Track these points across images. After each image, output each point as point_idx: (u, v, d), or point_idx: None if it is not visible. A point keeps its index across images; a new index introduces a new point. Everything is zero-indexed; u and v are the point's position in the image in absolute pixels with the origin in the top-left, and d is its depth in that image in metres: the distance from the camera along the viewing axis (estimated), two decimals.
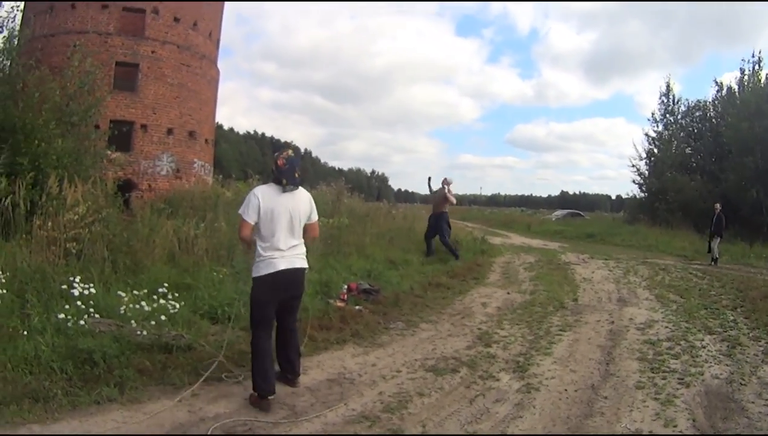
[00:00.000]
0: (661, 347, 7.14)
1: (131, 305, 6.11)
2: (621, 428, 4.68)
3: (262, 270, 4.95)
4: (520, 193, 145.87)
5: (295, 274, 5.09)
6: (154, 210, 10.71)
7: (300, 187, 5.21)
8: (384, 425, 4.57)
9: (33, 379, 4.65)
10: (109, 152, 11.80)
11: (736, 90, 31.68)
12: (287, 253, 5.03)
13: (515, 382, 5.73)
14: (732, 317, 9.05)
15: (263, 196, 4.99)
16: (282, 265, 4.98)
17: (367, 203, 21.45)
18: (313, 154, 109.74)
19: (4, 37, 10.47)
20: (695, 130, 34.77)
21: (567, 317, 8.78)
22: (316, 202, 5.36)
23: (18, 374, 4.68)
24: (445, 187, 14.77)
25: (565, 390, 5.55)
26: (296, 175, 5.04)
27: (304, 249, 5.23)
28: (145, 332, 5.67)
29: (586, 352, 6.90)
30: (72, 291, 6.11)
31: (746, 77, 31.07)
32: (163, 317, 6.00)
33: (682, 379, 5.92)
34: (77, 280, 6.30)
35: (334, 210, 14.24)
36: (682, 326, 8.28)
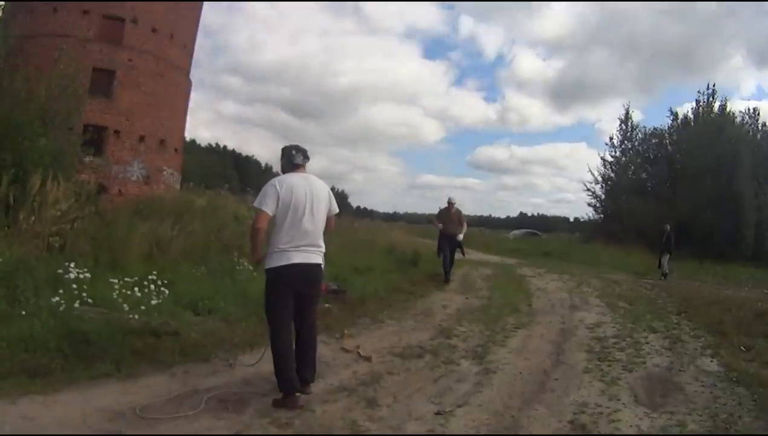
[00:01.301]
0: (608, 342, 7.84)
1: (123, 291, 6.54)
2: (569, 402, 5.32)
3: (275, 262, 4.72)
4: (479, 214, 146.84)
5: (310, 268, 4.84)
6: (132, 212, 11.03)
7: (315, 177, 5.06)
8: (360, 395, 5.14)
9: (29, 357, 4.88)
10: (87, 156, 11.98)
11: (692, 119, 33.16)
12: (304, 246, 4.78)
13: (474, 366, 6.37)
14: (675, 320, 9.84)
15: (281, 185, 4.73)
16: (297, 258, 4.72)
17: None
18: (274, 169, 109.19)
19: None
20: (651, 157, 36.06)
21: (521, 318, 9.45)
22: None
23: (14, 351, 4.90)
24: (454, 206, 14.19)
25: (520, 373, 6.19)
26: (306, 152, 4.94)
27: (323, 244, 4.97)
28: (136, 316, 6.10)
29: (539, 345, 7.57)
30: (68, 275, 6.48)
31: (701, 108, 32.59)
32: (143, 307, 6.41)
33: (626, 366, 6.61)
34: (72, 265, 6.67)
35: None
36: (628, 327, 9.00)
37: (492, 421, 4.77)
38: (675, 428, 4.74)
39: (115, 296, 6.45)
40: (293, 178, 4.87)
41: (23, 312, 5.66)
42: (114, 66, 20.77)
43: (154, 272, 7.30)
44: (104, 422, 3.99)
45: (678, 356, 7.19)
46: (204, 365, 5.52)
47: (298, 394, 4.69)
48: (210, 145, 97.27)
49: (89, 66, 18.54)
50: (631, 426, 4.77)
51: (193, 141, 79.08)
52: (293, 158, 4.98)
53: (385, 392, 5.28)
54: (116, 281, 6.73)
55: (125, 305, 6.30)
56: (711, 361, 7.04)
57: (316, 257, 4.90)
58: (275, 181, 4.80)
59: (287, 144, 5.10)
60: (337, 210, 5.17)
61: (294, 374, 4.72)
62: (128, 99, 20.68)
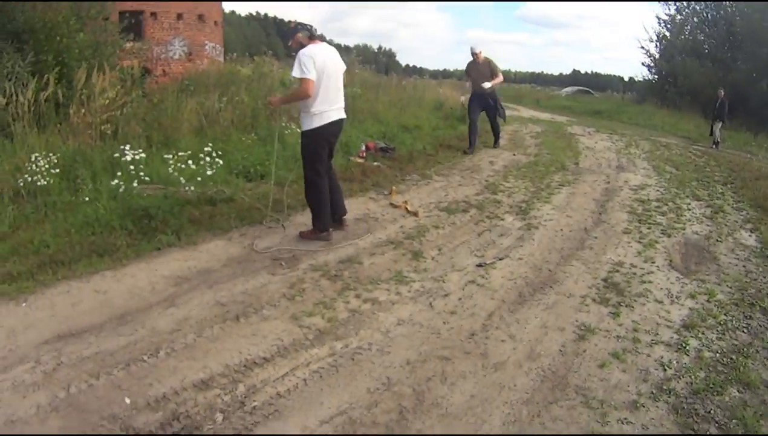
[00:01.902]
0: (650, 205, 7.93)
1: (177, 165, 6.79)
2: (605, 260, 5.53)
3: (316, 122, 5.34)
4: (531, 70, 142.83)
5: (341, 123, 5.60)
6: (178, 89, 11.17)
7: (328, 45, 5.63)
8: (406, 247, 5.46)
9: (96, 238, 5.20)
10: (128, 42, 11.97)
11: None
12: (336, 105, 5.46)
13: (518, 222, 6.61)
14: (720, 190, 9.74)
15: (315, 55, 5.20)
16: (334, 115, 5.43)
17: (377, 76, 21.80)
18: (319, 32, 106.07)
19: None
20: (709, 17, 33.70)
21: (567, 176, 9.57)
22: None
23: (82, 236, 5.22)
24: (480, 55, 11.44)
25: (561, 230, 6.40)
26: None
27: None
28: (192, 188, 6.37)
29: (582, 203, 7.72)
30: (124, 157, 6.74)
31: None
32: (199, 179, 6.66)
33: (665, 231, 6.75)
34: (127, 148, 6.93)
35: (347, 81, 14.53)
36: (672, 192, 9.01)
37: (530, 274, 5.04)
38: (703, 296, 4.90)
39: (171, 171, 6.70)
40: (319, 49, 5.35)
41: (86, 199, 5.95)
42: None
43: (209, 144, 7.51)
44: (170, 287, 4.34)
45: (718, 226, 7.25)
46: (259, 227, 5.83)
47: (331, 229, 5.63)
48: (251, 14, 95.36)
49: None
50: (661, 289, 4.97)
51: (232, 12, 77.55)
52: (314, 33, 5.48)
53: (430, 245, 5.59)
54: (170, 156, 6.97)
55: (181, 179, 6.55)
56: (750, 235, 7.07)
57: (343, 112, 5.64)
58: (308, 52, 5.20)
59: (294, 21, 5.66)
60: (344, 67, 5.76)
61: (329, 214, 5.63)
62: None
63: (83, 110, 8.06)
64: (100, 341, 3.48)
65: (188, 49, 20.49)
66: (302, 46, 5.32)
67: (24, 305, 3.91)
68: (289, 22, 5.78)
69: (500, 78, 11.39)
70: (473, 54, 11.29)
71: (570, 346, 3.82)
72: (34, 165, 6.25)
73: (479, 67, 11.30)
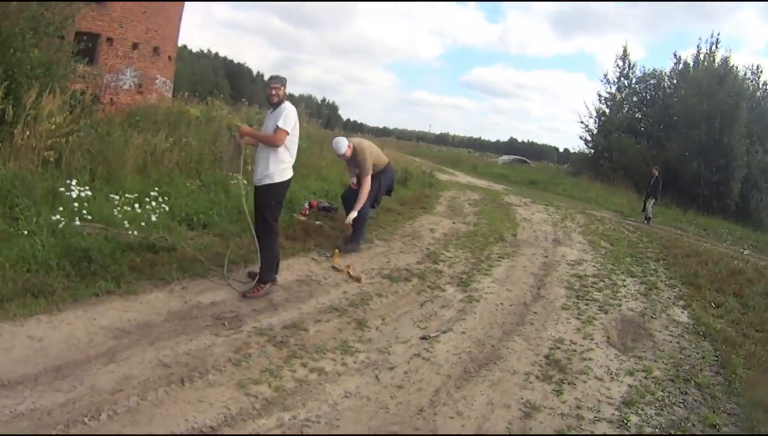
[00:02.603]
0: (587, 281, 8.19)
1: (123, 208, 6.61)
2: (546, 336, 5.67)
3: (286, 175, 5.65)
4: (469, 135, 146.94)
5: None
6: (126, 123, 10.92)
7: None
8: (350, 315, 5.45)
9: (32, 276, 4.95)
10: (80, 65, 11.64)
11: (691, 66, 32.86)
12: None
13: (459, 293, 6.71)
14: (654, 267, 10.20)
15: (294, 110, 5.63)
16: (292, 170, 5.78)
17: (321, 130, 21.97)
18: (265, 78, 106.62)
19: None
20: (648, 97, 35.87)
21: (506, 248, 9.78)
22: None
23: (17, 272, 4.96)
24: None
25: (501, 304, 6.53)
26: None
27: None
28: (135, 233, 6.20)
29: (521, 277, 7.91)
30: (70, 193, 6.49)
31: (702, 56, 32.18)
32: (143, 223, 6.45)
33: (602, 307, 6.98)
34: (74, 183, 6.70)
35: None
36: (608, 267, 9.36)
37: (473, 349, 5.10)
38: (641, 372, 5.09)
39: (116, 213, 6.50)
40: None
41: (24, 232, 5.67)
42: None
43: (156, 188, 7.40)
44: (109, 340, 4.18)
45: (652, 303, 7.57)
46: (201, 281, 5.71)
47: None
48: (201, 51, 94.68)
49: None
50: (601, 366, 5.12)
51: (184, 46, 76.97)
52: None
53: (373, 314, 5.60)
54: (116, 197, 6.79)
55: (125, 222, 6.34)
56: (682, 312, 7.42)
57: None
58: (292, 107, 5.62)
59: (277, 75, 5.81)
60: None
61: None
62: (122, 5, 19.76)
63: (28, 132, 7.77)
64: (36, 395, 3.32)
65: (139, 80, 20.18)
66: (283, 99, 5.63)
67: None
68: (275, 76, 5.78)
69: (366, 187, 8.11)
70: (339, 155, 8.38)
71: (516, 424, 3.88)
72: None
73: (352, 160, 8.39)
